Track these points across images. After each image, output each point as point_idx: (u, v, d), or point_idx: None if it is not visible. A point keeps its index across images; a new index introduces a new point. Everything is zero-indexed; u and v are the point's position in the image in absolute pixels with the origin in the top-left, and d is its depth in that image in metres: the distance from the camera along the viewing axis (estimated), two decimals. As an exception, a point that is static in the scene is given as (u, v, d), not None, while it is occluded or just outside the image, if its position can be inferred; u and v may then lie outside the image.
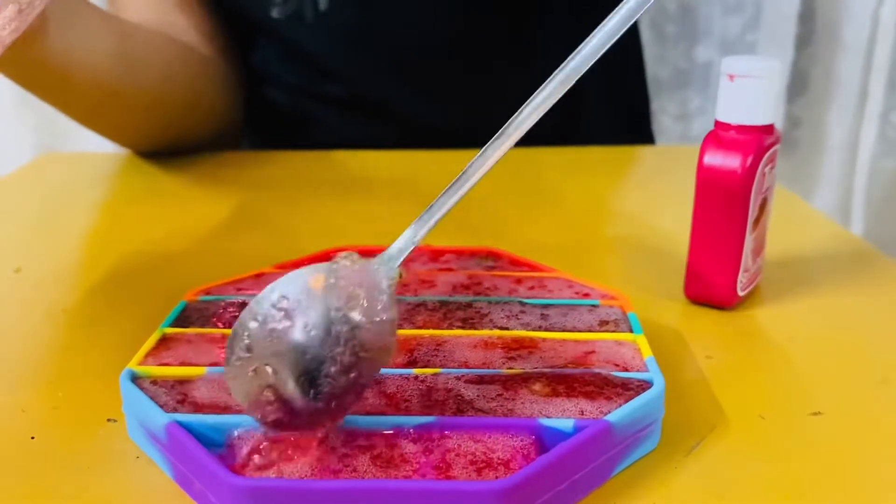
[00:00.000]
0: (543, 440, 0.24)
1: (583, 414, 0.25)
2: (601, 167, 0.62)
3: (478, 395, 0.26)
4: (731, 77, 0.35)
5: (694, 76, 1.54)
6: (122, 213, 0.53)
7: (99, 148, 0.64)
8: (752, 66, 0.35)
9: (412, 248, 0.26)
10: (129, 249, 0.45)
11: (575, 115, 0.69)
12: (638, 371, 0.28)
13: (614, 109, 0.72)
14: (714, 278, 0.37)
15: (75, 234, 0.49)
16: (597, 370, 0.28)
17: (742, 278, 0.37)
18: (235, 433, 0.24)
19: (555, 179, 0.58)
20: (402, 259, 0.26)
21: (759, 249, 0.38)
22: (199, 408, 0.26)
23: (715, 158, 0.36)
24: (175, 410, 0.26)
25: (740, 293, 0.37)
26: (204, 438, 0.24)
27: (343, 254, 0.25)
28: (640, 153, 0.68)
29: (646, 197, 0.56)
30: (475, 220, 0.50)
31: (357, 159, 0.62)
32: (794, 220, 0.48)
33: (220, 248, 0.45)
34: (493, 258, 0.38)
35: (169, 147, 0.61)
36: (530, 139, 0.69)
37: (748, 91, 0.35)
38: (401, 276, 0.26)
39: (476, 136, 0.64)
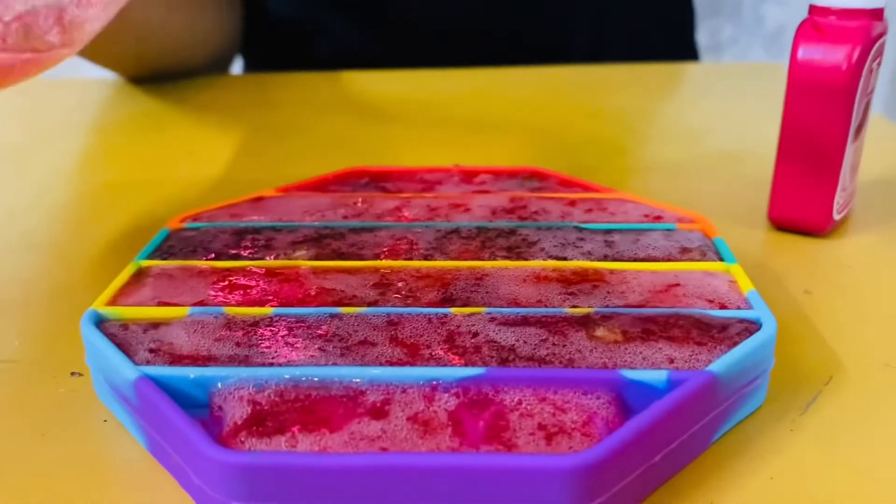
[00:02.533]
0: (625, 398, 0.19)
1: (673, 363, 0.20)
2: (650, 85, 0.55)
3: (517, 342, 0.20)
4: (835, -52, 0.28)
5: (725, 4, 1.46)
6: (106, 141, 0.47)
7: (87, 73, 0.58)
8: (861, -67, 0.28)
9: None
10: (112, 179, 0.39)
11: (609, 32, 0.62)
12: (738, 308, 0.22)
13: (655, 26, 0.65)
14: (807, 198, 0.30)
15: (55, 162, 0.43)
16: (685, 310, 0.22)
17: (839, 198, 0.30)
18: (222, 389, 0.19)
19: (601, 98, 0.52)
20: None
21: (856, 165, 0.32)
22: (177, 359, 0.20)
23: (813, 52, 0.29)
24: (147, 362, 0.20)
25: (836, 216, 0.31)
26: (183, 398, 0.19)
27: None
28: (689, 70, 0.61)
29: (701, 114, 0.49)
30: (516, 142, 0.44)
31: (361, 79, 0.56)
32: (877, 137, 0.42)
33: (215, 175, 0.39)
34: (538, 178, 0.32)
35: (166, 72, 0.55)
36: (559, 59, 0.62)
37: (855, -34, 0.28)
38: None
39: (489, 47, 0.58)
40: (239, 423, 0.18)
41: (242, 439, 0.17)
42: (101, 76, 0.58)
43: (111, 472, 0.19)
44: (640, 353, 0.20)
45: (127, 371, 0.19)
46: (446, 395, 0.18)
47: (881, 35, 0.29)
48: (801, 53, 0.29)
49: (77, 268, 0.29)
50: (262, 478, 0.16)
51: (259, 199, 0.29)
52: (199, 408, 0.19)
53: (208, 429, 0.18)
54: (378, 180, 0.32)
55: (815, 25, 0.29)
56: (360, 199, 0.29)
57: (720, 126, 0.46)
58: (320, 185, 0.31)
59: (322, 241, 0.26)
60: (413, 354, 0.20)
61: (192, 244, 0.26)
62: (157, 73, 0.55)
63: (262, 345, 0.20)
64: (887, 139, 0.42)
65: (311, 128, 0.47)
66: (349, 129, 0.47)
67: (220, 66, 0.60)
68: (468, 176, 0.32)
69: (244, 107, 0.51)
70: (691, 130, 0.46)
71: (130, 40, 0.51)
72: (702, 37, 1.50)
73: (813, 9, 0.29)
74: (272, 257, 0.25)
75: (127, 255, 0.29)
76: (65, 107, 0.53)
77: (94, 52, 0.52)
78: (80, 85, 0.58)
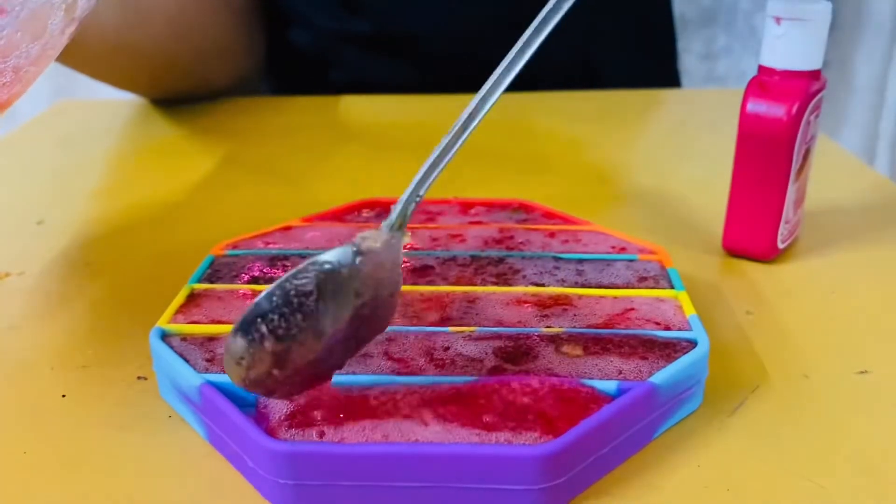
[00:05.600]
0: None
1: (621, 374, 0.25)
2: (626, 112, 0.60)
3: (501, 355, 0.25)
4: (778, 20, 0.33)
5: (720, 14, 1.50)
6: (140, 163, 0.52)
7: (115, 93, 0.62)
8: (800, 8, 0.33)
9: (415, 206, 0.25)
10: (150, 201, 0.44)
11: (595, 57, 0.67)
12: (680, 329, 0.27)
13: (638, 50, 0.70)
14: (754, 230, 0.35)
15: (95, 184, 0.48)
16: (636, 331, 0.27)
17: (783, 230, 0.35)
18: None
19: (579, 126, 0.57)
20: (407, 222, 0.25)
21: (800, 200, 0.37)
22: (230, 367, 0.25)
23: (758, 106, 0.34)
24: (206, 370, 0.25)
25: (780, 245, 0.36)
26: (236, 398, 0.24)
27: (366, 234, 0.24)
28: (666, 97, 0.66)
29: (675, 143, 0.54)
30: (498, 169, 0.49)
31: (379, 103, 0.61)
32: (832, 167, 0.47)
33: (243, 198, 0.45)
34: (524, 210, 0.37)
35: (183, 94, 0.60)
36: (548, 84, 0.67)
37: (795, 35, 0.33)
38: (408, 237, 0.25)
39: (486, 73, 0.63)
40: (283, 417, 0.23)
41: (285, 430, 0.22)
42: (119, 97, 0.63)
43: (179, 458, 0.24)
44: (597, 365, 0.25)
45: (192, 378, 0.24)
46: (444, 395, 0.24)
47: (819, 91, 0.35)
48: (749, 107, 0.34)
49: (131, 287, 0.35)
50: (303, 462, 0.21)
51: (287, 229, 0.34)
52: (247, 406, 0.24)
53: (256, 423, 0.23)
54: (388, 211, 0.37)
55: (760, 83, 0.34)
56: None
57: (693, 155, 0.51)
58: (338, 215, 0.36)
59: (341, 267, 0.31)
60: (407, 365, 0.25)
61: (234, 269, 0.31)
62: (175, 95, 0.60)
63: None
64: (839, 171, 0.47)
65: (325, 152, 0.52)
66: (359, 153, 0.52)
67: (243, 88, 0.64)
68: (465, 207, 0.37)
69: (263, 130, 0.56)
70: (666, 159, 0.51)
71: (137, 65, 0.54)
72: (697, 46, 1.54)
73: (761, 69, 0.35)
74: (301, 282, 0.30)
75: (171, 273, 0.34)
76: (92, 128, 0.58)
77: (103, 72, 0.55)
78: (106, 105, 0.63)
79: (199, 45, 0.57)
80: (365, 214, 0.36)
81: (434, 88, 0.62)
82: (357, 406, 0.23)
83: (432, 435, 0.22)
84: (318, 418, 0.23)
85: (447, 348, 0.26)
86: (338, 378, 0.24)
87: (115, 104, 0.63)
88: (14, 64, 0.27)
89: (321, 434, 0.22)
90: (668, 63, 0.73)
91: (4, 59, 0.26)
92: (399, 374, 0.25)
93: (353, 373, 0.25)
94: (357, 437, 0.22)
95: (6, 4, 0.25)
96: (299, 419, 0.23)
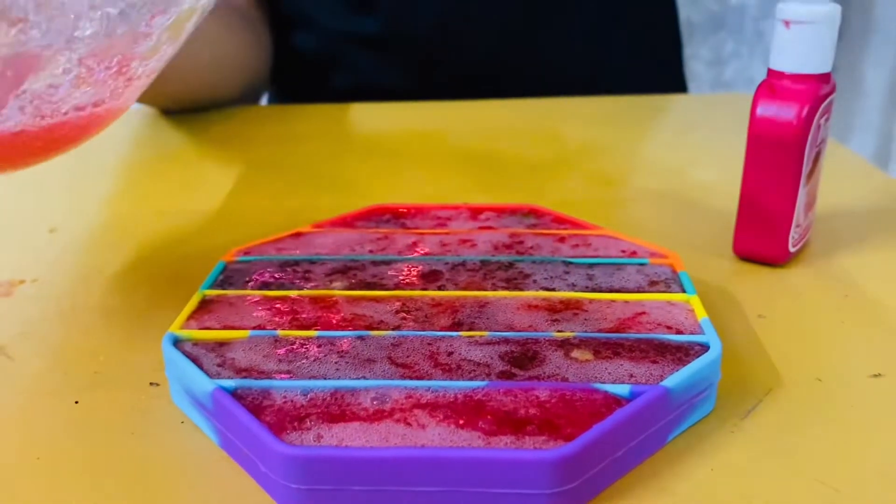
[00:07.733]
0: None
1: (632, 378, 0.25)
2: (634, 117, 0.60)
3: (512, 359, 0.25)
4: (787, 23, 0.33)
5: (728, 19, 1.50)
6: (151, 171, 0.52)
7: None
8: (810, 11, 0.33)
9: None
10: (161, 208, 0.45)
11: (602, 63, 0.67)
12: (692, 333, 0.27)
13: (645, 56, 0.70)
14: (765, 234, 0.35)
15: (107, 192, 0.48)
16: (648, 335, 0.27)
17: (794, 234, 0.35)
18: (278, 399, 0.24)
19: (587, 131, 0.57)
20: None
21: (811, 203, 0.37)
22: (239, 372, 0.25)
23: (768, 109, 0.34)
24: (218, 375, 0.25)
25: (792, 249, 0.36)
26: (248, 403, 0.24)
27: None
28: (674, 102, 0.66)
29: (683, 148, 0.54)
30: (508, 175, 0.49)
31: (387, 111, 0.61)
32: (842, 171, 0.47)
33: (254, 205, 0.45)
34: (534, 215, 0.37)
35: (196, 105, 0.60)
36: (556, 90, 0.67)
37: (805, 38, 0.33)
38: None
39: (507, 81, 0.63)
40: (291, 421, 0.23)
41: (289, 432, 0.22)
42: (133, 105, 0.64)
43: (191, 463, 0.25)
44: (608, 370, 0.25)
45: (204, 383, 0.24)
46: (450, 399, 0.24)
47: (828, 94, 0.34)
48: (759, 111, 0.34)
49: (143, 294, 0.35)
50: (316, 466, 0.21)
51: (298, 235, 0.35)
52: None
53: (271, 429, 0.23)
54: (398, 217, 0.37)
55: (770, 87, 0.34)
56: (383, 235, 0.34)
57: (702, 159, 0.51)
58: (349, 221, 0.36)
59: (348, 272, 0.31)
60: (412, 369, 0.25)
61: (245, 275, 0.31)
62: (190, 106, 0.60)
63: (300, 361, 0.26)
64: (850, 174, 0.47)
65: (332, 159, 0.52)
66: (366, 161, 0.52)
67: (250, 97, 0.65)
68: (475, 213, 0.37)
69: (271, 138, 0.57)
70: (675, 163, 0.51)
71: (162, 79, 0.55)
72: (705, 51, 1.54)
73: (770, 72, 0.35)
74: (312, 287, 0.30)
75: (183, 280, 0.35)
76: (103, 137, 0.59)
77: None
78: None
79: (215, 60, 0.58)
80: (374, 220, 0.36)
81: (440, 92, 0.62)
82: (354, 408, 0.23)
83: (436, 438, 0.22)
84: (316, 421, 0.23)
85: (454, 353, 0.26)
86: (337, 382, 0.24)
87: (125, 113, 0.63)
88: (153, 67, 0.27)
89: (318, 437, 0.22)
90: (675, 69, 0.73)
91: (147, 61, 0.26)
92: (404, 378, 0.25)
93: (363, 377, 0.25)
94: (356, 438, 0.22)
95: (166, 5, 0.25)
96: (297, 423, 0.23)
